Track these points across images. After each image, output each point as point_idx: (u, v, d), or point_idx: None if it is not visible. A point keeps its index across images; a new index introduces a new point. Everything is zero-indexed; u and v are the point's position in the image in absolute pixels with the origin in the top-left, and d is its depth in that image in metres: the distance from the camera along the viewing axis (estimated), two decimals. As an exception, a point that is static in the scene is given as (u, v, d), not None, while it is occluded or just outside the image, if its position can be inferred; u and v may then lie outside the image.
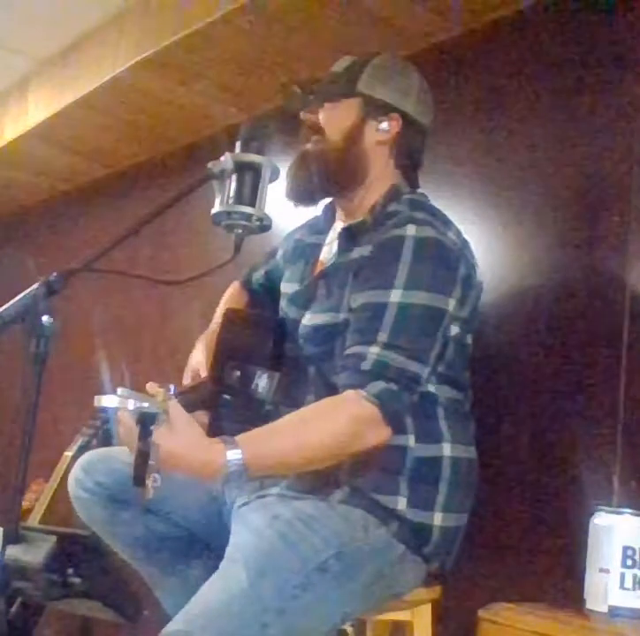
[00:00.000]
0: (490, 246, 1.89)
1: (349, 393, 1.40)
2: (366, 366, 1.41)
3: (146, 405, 1.24)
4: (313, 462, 1.41)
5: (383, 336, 1.42)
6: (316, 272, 1.64)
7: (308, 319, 1.58)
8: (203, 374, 1.68)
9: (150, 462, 1.21)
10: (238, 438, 1.32)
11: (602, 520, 1.39)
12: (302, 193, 1.62)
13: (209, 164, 1.40)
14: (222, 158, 1.40)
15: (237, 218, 1.40)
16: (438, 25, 2.12)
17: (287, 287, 1.71)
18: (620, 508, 1.41)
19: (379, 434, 1.41)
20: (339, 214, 1.68)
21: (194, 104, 2.79)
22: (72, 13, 2.73)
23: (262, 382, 1.56)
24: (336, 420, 1.40)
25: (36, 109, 3.15)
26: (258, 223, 1.40)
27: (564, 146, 1.85)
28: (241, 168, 1.39)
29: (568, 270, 1.80)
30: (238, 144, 1.42)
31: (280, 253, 1.82)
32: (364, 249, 1.53)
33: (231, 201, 1.39)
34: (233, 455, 1.30)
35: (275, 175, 1.43)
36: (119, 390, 1.23)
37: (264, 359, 1.61)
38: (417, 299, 1.43)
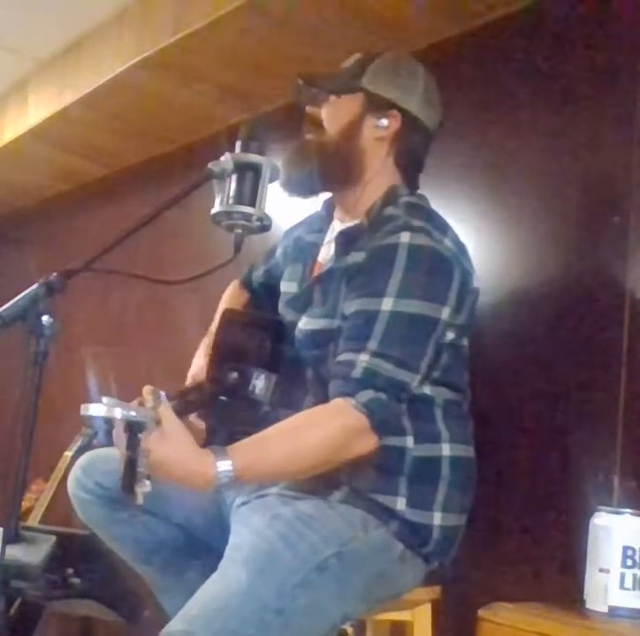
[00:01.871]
0: (489, 246, 1.89)
1: (339, 402, 1.40)
2: (356, 374, 1.40)
3: (133, 413, 1.23)
4: (303, 471, 1.42)
5: (373, 344, 1.41)
6: (314, 274, 1.64)
7: (305, 323, 1.57)
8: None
9: (139, 469, 1.21)
10: (229, 449, 1.32)
11: (602, 520, 1.39)
12: (297, 185, 1.60)
13: (209, 164, 1.39)
14: (222, 158, 1.40)
15: (237, 218, 1.40)
16: (438, 25, 2.12)
17: (286, 287, 1.71)
18: (620, 508, 1.41)
19: (367, 443, 1.41)
20: (337, 212, 1.67)
21: (194, 104, 2.79)
22: (72, 13, 2.73)
23: (260, 384, 1.56)
24: (326, 430, 1.40)
25: (36, 110, 3.15)
26: (258, 223, 1.40)
27: (564, 146, 1.85)
28: (241, 168, 1.39)
29: (568, 271, 1.80)
30: (238, 144, 1.42)
31: (280, 250, 1.81)
32: (358, 255, 1.52)
33: (231, 201, 1.39)
34: (224, 466, 1.30)
35: (275, 175, 1.43)
36: (105, 399, 1.23)
37: (262, 360, 1.61)
38: (409, 308, 1.43)
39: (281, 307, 1.69)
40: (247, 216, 1.39)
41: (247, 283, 1.90)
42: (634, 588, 1.34)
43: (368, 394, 1.39)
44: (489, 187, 1.98)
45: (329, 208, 1.70)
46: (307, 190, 1.62)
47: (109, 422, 1.29)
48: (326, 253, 1.65)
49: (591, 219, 1.77)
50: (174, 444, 1.29)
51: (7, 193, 3.98)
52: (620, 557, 1.35)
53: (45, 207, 3.97)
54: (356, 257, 1.52)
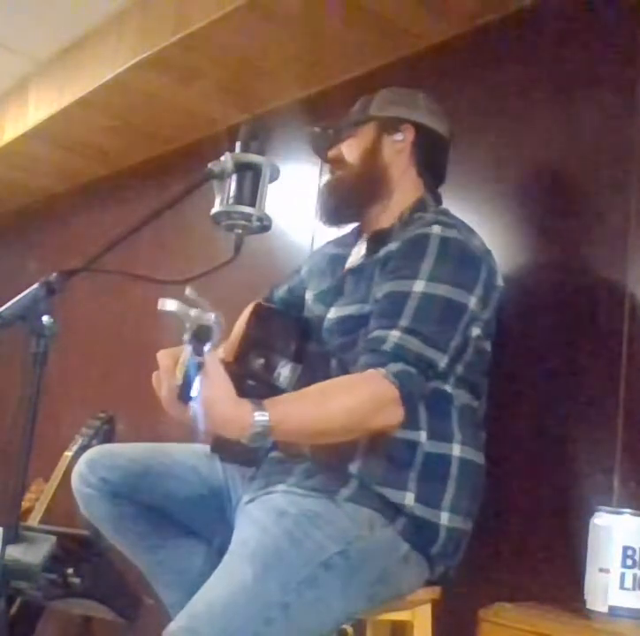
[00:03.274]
0: (489, 246, 1.89)
1: (371, 371, 1.44)
2: (387, 347, 1.45)
3: (209, 316, 1.25)
4: (332, 433, 1.44)
5: (404, 322, 1.46)
6: (344, 272, 1.70)
7: (334, 312, 1.62)
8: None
9: (197, 378, 1.24)
10: (266, 401, 1.36)
11: (602, 520, 1.39)
12: (333, 216, 1.73)
13: (209, 164, 1.40)
14: (222, 158, 1.40)
15: (237, 218, 1.40)
16: (438, 25, 2.12)
17: (313, 292, 1.76)
18: (620, 508, 1.41)
19: (395, 413, 1.43)
20: (367, 226, 1.73)
21: (194, 104, 2.79)
22: (72, 13, 2.74)
23: (285, 372, 1.59)
24: (358, 395, 1.43)
25: (36, 109, 3.15)
26: (258, 223, 1.40)
27: (564, 146, 1.85)
28: (241, 168, 1.39)
29: (568, 270, 1.80)
30: (238, 144, 1.42)
31: (305, 269, 1.86)
32: (391, 246, 1.59)
33: (231, 201, 1.39)
34: (260, 416, 1.33)
35: (275, 175, 1.43)
36: (188, 290, 1.26)
37: (288, 351, 1.64)
38: (440, 291, 1.48)
39: (309, 304, 1.75)
40: (247, 216, 1.39)
41: (268, 301, 1.92)
42: (634, 588, 1.34)
43: (398, 366, 1.43)
44: (488, 187, 1.98)
45: (358, 226, 1.77)
46: (342, 219, 1.75)
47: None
48: (356, 256, 1.71)
49: (591, 219, 1.77)
50: (215, 388, 1.32)
51: (7, 193, 3.98)
52: (620, 557, 1.35)
53: (45, 207, 3.97)
54: (388, 248, 1.59)
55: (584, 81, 1.82)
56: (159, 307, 1.26)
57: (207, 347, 1.27)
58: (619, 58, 1.76)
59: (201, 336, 1.25)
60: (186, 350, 1.28)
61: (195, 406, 1.29)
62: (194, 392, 1.28)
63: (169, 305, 1.25)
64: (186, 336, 1.29)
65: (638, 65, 1.72)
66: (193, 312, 1.24)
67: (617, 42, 1.78)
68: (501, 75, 2.01)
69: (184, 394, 1.28)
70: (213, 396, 1.31)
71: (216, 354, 1.33)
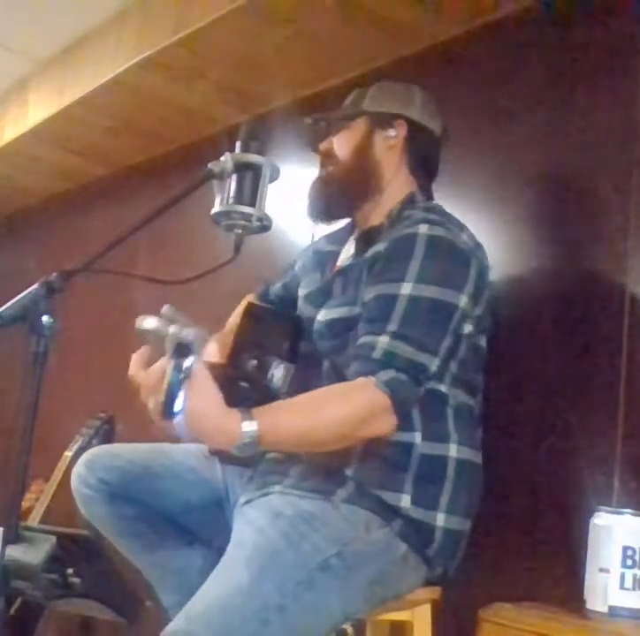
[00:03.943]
0: (489, 246, 1.88)
1: (362, 380, 1.42)
2: (376, 355, 1.43)
3: (185, 332, 1.25)
4: (322, 442, 1.43)
5: (392, 327, 1.44)
6: (333, 272, 1.69)
7: (324, 315, 1.61)
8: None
9: (177, 398, 1.23)
10: (255, 411, 1.35)
11: (602, 520, 1.39)
12: (321, 212, 1.70)
13: (209, 164, 1.40)
14: (222, 158, 1.40)
15: (237, 218, 1.40)
16: (438, 25, 2.12)
17: (304, 291, 1.75)
18: (620, 508, 1.41)
19: (387, 422, 1.42)
20: (358, 222, 1.72)
21: (194, 104, 2.79)
22: (72, 13, 2.74)
23: (278, 373, 1.58)
24: (350, 404, 1.42)
25: (36, 109, 3.15)
26: (258, 223, 1.41)
27: (564, 146, 1.85)
28: (241, 168, 1.40)
29: (568, 271, 1.80)
30: (238, 144, 1.42)
31: (299, 264, 1.85)
32: (378, 246, 1.57)
33: (231, 201, 1.39)
34: (249, 426, 1.33)
35: (275, 175, 1.43)
36: (165, 307, 1.25)
37: (281, 351, 1.64)
38: (428, 293, 1.46)
39: (300, 305, 1.73)
40: (247, 216, 1.39)
41: (263, 297, 1.92)
42: (634, 588, 1.34)
43: (389, 374, 1.42)
44: (488, 187, 1.98)
45: (351, 222, 1.76)
46: (331, 218, 1.73)
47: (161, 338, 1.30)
48: (346, 255, 1.70)
49: (591, 219, 1.77)
50: (203, 398, 1.31)
51: (7, 192, 3.98)
52: (620, 557, 1.35)
53: (45, 207, 3.97)
54: (376, 248, 1.57)
55: (584, 81, 1.82)
56: (136, 326, 1.26)
57: (188, 362, 1.26)
58: (619, 59, 1.76)
59: (181, 352, 1.24)
60: (169, 366, 1.27)
61: (179, 422, 1.28)
62: (177, 407, 1.27)
63: (147, 323, 1.25)
64: (168, 353, 1.28)
65: (639, 65, 1.72)
66: (171, 329, 1.23)
67: (617, 43, 1.77)
68: (501, 75, 2.01)
69: (167, 411, 1.27)
70: (201, 407, 1.31)
71: (203, 366, 1.32)
